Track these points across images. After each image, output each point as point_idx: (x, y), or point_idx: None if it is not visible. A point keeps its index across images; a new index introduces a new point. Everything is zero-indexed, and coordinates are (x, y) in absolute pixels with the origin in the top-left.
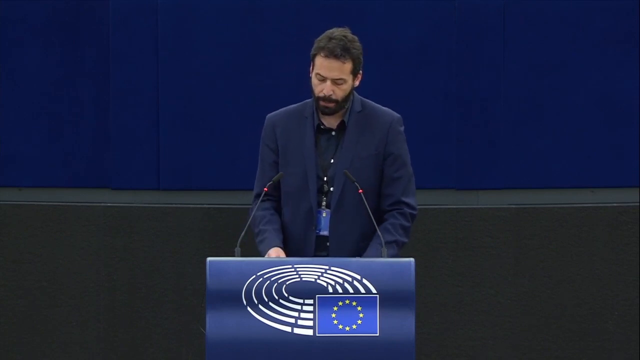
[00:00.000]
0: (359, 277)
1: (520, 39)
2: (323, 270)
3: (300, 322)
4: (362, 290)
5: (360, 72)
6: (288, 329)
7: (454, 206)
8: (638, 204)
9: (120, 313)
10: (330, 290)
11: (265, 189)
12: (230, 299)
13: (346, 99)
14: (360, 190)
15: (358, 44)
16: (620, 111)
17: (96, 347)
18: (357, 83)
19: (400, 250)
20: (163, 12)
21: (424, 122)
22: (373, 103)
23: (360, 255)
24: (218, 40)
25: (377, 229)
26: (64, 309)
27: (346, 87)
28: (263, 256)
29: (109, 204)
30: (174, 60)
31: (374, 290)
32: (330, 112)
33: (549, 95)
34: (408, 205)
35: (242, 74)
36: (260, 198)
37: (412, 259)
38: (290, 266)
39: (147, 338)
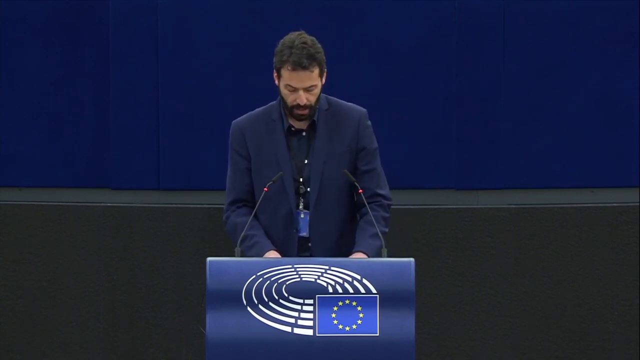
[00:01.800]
0: (359, 277)
1: (520, 39)
2: (323, 270)
3: (300, 322)
4: (362, 290)
5: (325, 70)
6: (288, 329)
7: (454, 206)
8: (638, 204)
9: (120, 313)
10: (330, 290)
11: (265, 189)
12: (230, 299)
13: (318, 100)
14: (360, 190)
15: (319, 45)
16: (620, 111)
17: (96, 347)
18: (324, 81)
19: (384, 240)
20: (163, 12)
21: (424, 122)
22: (338, 100)
23: (341, 253)
24: (218, 40)
25: (373, 220)
26: (64, 309)
27: (317, 91)
28: None
29: (109, 204)
30: (174, 60)
31: (374, 290)
32: (306, 118)
33: (549, 95)
34: (384, 196)
35: (242, 74)
36: (260, 198)
37: (412, 259)
38: (290, 266)
39: (147, 338)
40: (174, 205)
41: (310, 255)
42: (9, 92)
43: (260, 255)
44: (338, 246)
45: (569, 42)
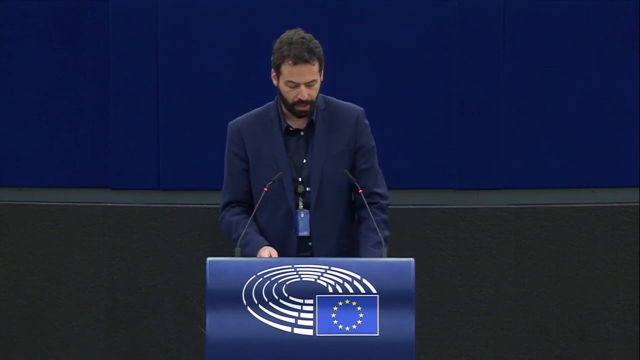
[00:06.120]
0: (359, 277)
1: (520, 39)
2: (323, 270)
3: (300, 322)
4: (362, 290)
5: (324, 66)
6: (288, 329)
7: (454, 206)
8: (638, 204)
9: (120, 313)
10: (330, 290)
11: (265, 189)
12: (230, 299)
13: (317, 97)
14: (360, 190)
15: (316, 41)
16: (620, 111)
17: (96, 347)
18: (322, 78)
19: (388, 244)
20: (163, 12)
21: (424, 122)
22: (334, 99)
23: (341, 253)
24: (218, 40)
25: (377, 229)
26: (64, 309)
27: (317, 86)
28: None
29: (109, 204)
30: (174, 60)
31: (374, 290)
32: (306, 115)
33: (549, 95)
34: (381, 196)
35: (242, 74)
36: (260, 198)
37: (412, 259)
38: (290, 266)
39: (147, 338)
40: (174, 205)
41: (311, 255)
42: (9, 92)
43: (255, 252)
44: (339, 246)
45: (569, 42)
